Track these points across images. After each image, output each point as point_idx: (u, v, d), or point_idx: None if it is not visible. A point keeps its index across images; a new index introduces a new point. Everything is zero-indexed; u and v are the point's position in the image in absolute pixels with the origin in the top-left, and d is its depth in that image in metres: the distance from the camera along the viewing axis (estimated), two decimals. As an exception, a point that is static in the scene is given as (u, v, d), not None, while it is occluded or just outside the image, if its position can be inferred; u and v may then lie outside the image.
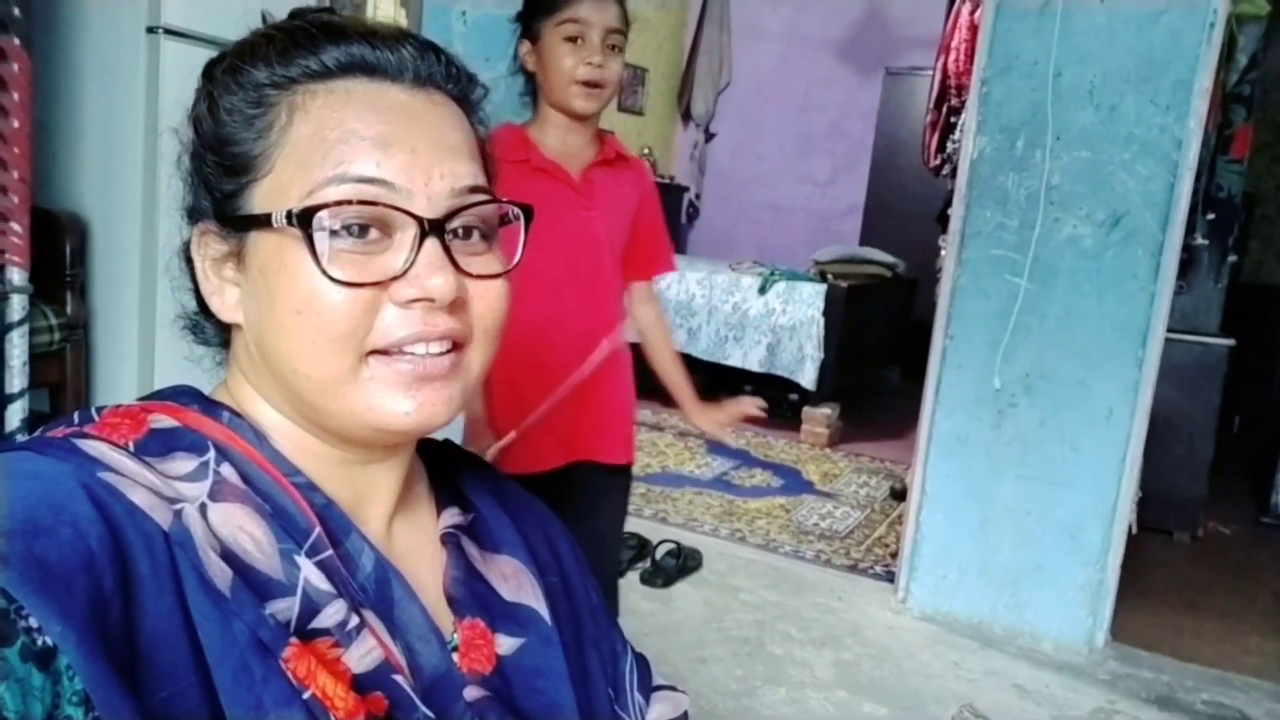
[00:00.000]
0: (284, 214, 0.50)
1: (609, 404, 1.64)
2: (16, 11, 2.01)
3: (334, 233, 0.50)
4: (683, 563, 2.78)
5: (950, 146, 3.44)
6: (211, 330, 0.60)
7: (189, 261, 0.58)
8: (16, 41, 2.01)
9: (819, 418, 4.44)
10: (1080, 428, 2.48)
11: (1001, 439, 2.57)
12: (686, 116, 6.97)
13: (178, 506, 0.46)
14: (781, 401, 4.52)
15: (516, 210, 0.58)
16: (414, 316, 0.51)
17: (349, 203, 0.50)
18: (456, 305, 0.53)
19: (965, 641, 2.55)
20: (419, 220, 0.51)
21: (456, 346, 0.54)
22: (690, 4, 6.83)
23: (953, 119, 3.43)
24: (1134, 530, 2.62)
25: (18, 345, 2.32)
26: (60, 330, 2.34)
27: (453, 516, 0.63)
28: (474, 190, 0.54)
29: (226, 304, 0.55)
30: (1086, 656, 2.50)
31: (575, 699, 0.60)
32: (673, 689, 0.75)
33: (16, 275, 2.15)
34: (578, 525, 1.60)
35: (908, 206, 5.61)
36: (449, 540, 0.62)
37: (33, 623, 0.39)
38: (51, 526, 0.41)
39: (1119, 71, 2.38)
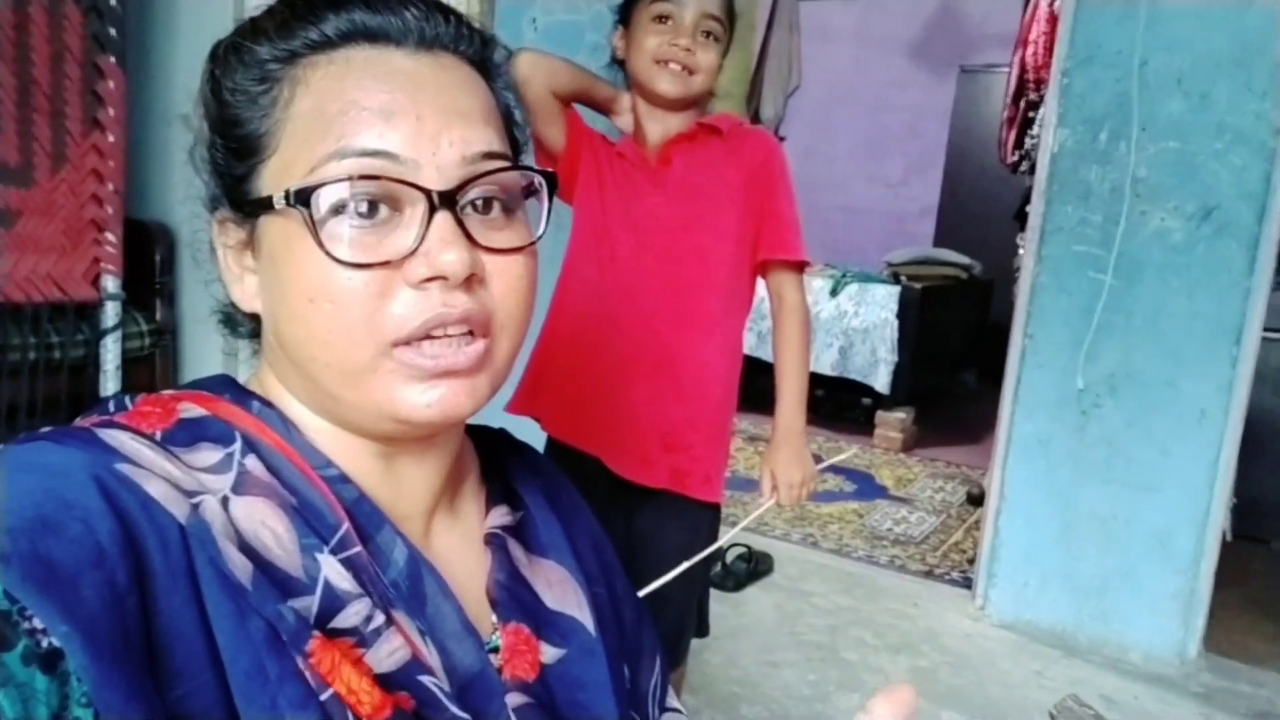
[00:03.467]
0: (284, 194, 0.47)
1: (699, 435, 1.49)
2: (113, 31, 2.11)
3: (338, 211, 0.47)
4: (753, 567, 2.75)
5: (1028, 142, 3.35)
6: (243, 321, 0.58)
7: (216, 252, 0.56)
8: (113, 60, 2.11)
9: (893, 422, 4.35)
10: (1170, 430, 2.37)
11: (1085, 442, 2.48)
12: (756, 120, 6.92)
13: (196, 499, 0.45)
14: (854, 406, 4.45)
15: (539, 179, 0.53)
16: (431, 297, 0.48)
17: (349, 178, 0.47)
18: (474, 283, 0.49)
19: (1048, 650, 2.46)
20: (427, 193, 0.48)
21: (480, 334, 0.50)
22: (759, 7, 6.80)
23: (1031, 114, 3.34)
24: (1228, 537, 2.50)
25: (111, 350, 2.43)
26: (150, 336, 2.44)
27: (501, 516, 0.61)
28: (489, 157, 0.50)
29: (246, 293, 0.53)
30: (1178, 668, 2.39)
31: (619, 713, 0.58)
32: (680, 713, 0.73)
33: (111, 283, 2.25)
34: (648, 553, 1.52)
35: (984, 207, 5.47)
36: (493, 541, 0.59)
37: (37, 624, 0.37)
38: (59, 522, 0.40)
39: (1210, 57, 2.28)
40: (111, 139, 2.12)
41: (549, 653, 0.57)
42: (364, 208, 0.47)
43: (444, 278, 0.47)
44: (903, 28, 6.33)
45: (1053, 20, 3.01)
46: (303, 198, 0.47)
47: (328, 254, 0.46)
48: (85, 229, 2.27)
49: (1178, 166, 2.33)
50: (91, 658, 0.37)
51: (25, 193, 2.21)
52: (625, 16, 1.48)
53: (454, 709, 0.47)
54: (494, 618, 0.56)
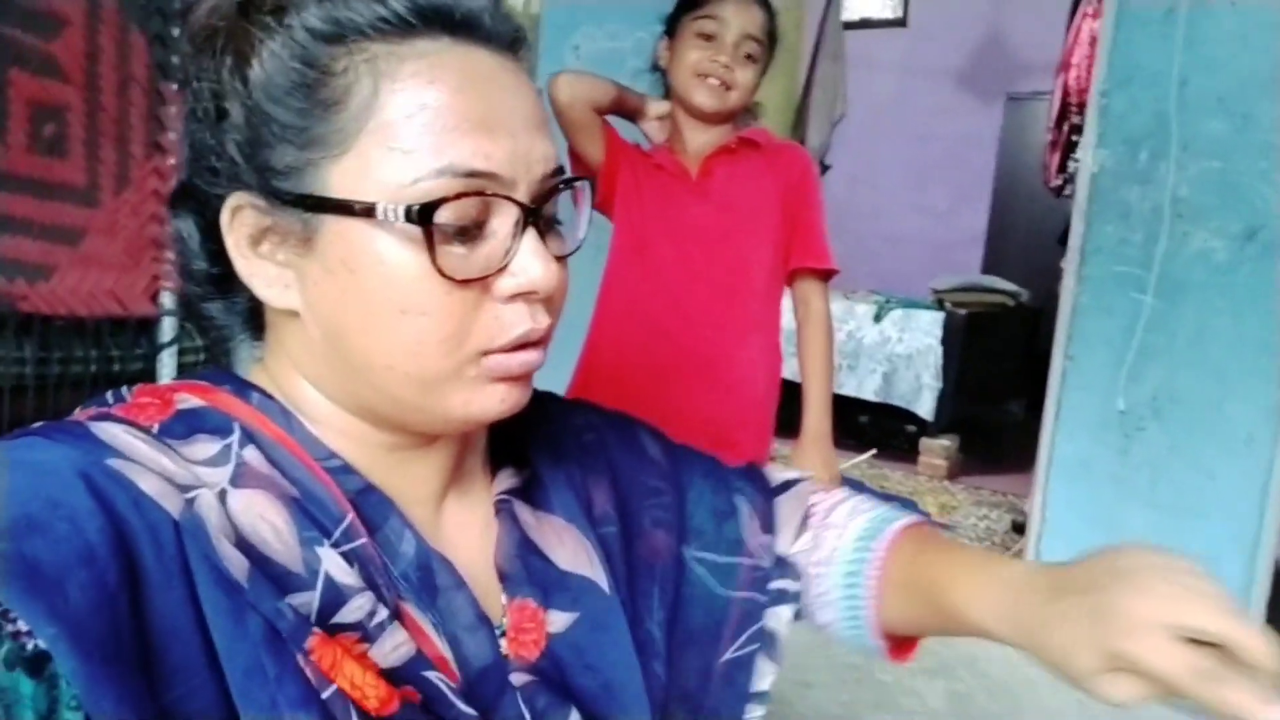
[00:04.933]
0: (398, 208, 0.45)
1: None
2: (175, 59, 2.23)
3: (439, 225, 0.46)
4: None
5: (1072, 165, 3.33)
6: (220, 310, 0.54)
7: (204, 230, 0.51)
8: (174, 86, 2.23)
9: (937, 449, 4.30)
10: (1216, 454, 2.32)
11: (1129, 465, 2.43)
12: (801, 149, 6.96)
13: (191, 494, 0.43)
14: (898, 433, 4.41)
15: (582, 185, 0.55)
16: (520, 313, 0.48)
17: (467, 194, 0.46)
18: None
19: (1090, 678, 2.41)
20: (522, 208, 0.48)
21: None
22: (805, 37, 6.86)
23: (1074, 137, 3.32)
24: (1281, 566, 2.43)
25: (168, 364, 2.53)
26: (205, 351, 2.54)
27: (508, 478, 0.59)
28: (559, 170, 0.51)
29: (274, 288, 0.49)
30: (1228, 700, 2.32)
31: (640, 669, 0.55)
32: (795, 482, 0.73)
33: (169, 299, 2.36)
34: None
35: (1033, 236, 5.43)
36: (503, 508, 0.57)
37: (22, 626, 0.37)
38: (45, 522, 0.39)
39: (1253, 78, 2.26)
40: (172, 161, 2.23)
41: (558, 620, 0.55)
42: (467, 225, 0.47)
43: (534, 292, 0.48)
44: (949, 56, 6.34)
45: (1095, 43, 3.00)
46: (425, 215, 0.45)
47: (440, 272, 0.45)
48: (146, 247, 2.37)
49: (1220, 186, 2.30)
50: (80, 659, 0.36)
51: (91, 212, 2.33)
52: (671, 28, 1.54)
53: (460, 705, 0.46)
54: (503, 597, 0.55)
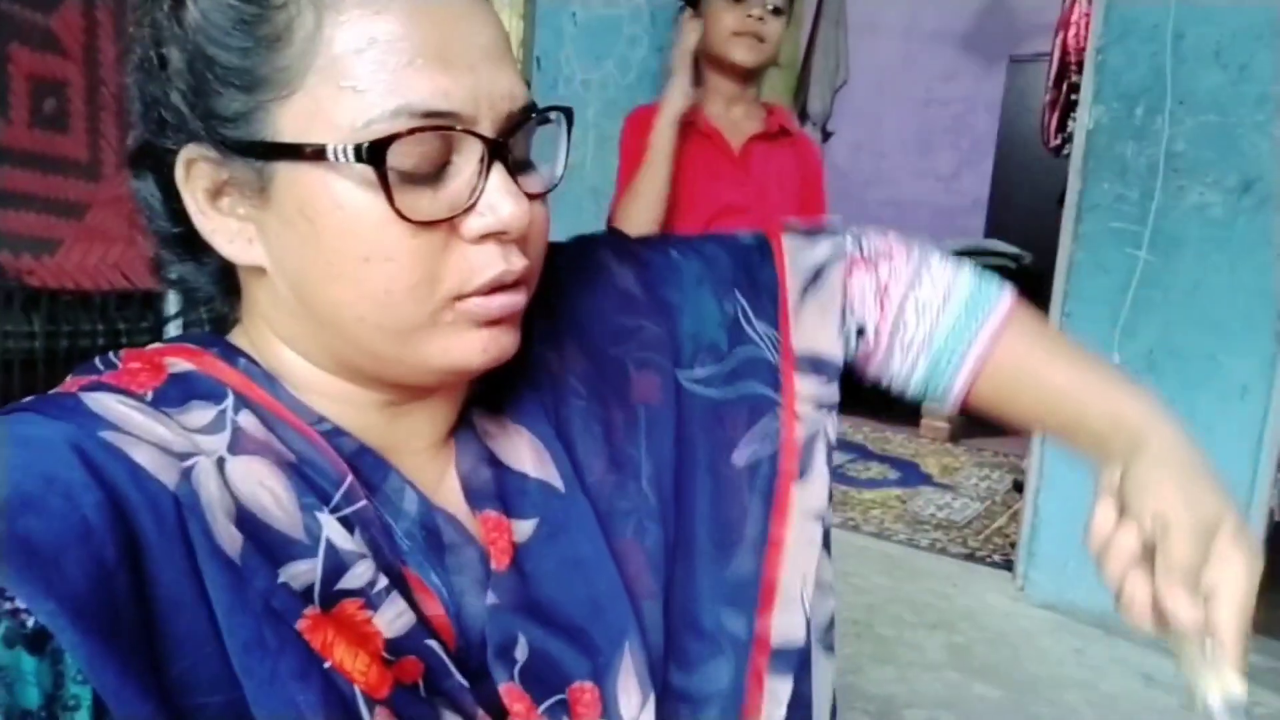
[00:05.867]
0: (348, 148, 0.42)
1: None
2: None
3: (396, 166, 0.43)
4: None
5: (1071, 125, 3.32)
6: (191, 271, 0.51)
7: (165, 189, 0.48)
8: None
9: (939, 412, 4.33)
10: (1212, 406, 2.34)
11: (1125, 419, 2.45)
12: (804, 116, 6.91)
13: (188, 464, 0.42)
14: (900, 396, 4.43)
15: (558, 114, 0.51)
16: (491, 254, 0.46)
17: (422, 130, 0.43)
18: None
19: (1088, 629, 2.44)
20: (486, 142, 0.45)
21: (522, 281, 0.48)
22: (805, 3, 6.80)
23: (1073, 96, 3.30)
24: (1276, 517, 2.46)
25: (173, 336, 2.57)
26: (210, 324, 2.57)
27: (473, 385, 0.55)
28: (528, 105, 0.48)
29: (236, 243, 0.47)
30: (1223, 648, 2.35)
31: (615, 570, 0.52)
32: (823, 269, 0.64)
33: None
34: None
35: (1035, 199, 5.39)
36: (464, 420, 0.54)
37: (20, 605, 0.36)
38: (39, 498, 0.38)
39: (1249, 29, 2.25)
40: (171, 133, 2.25)
41: (522, 529, 0.52)
42: (428, 164, 0.44)
43: (504, 231, 0.46)
44: (951, 19, 6.28)
45: (1093, 1, 2.99)
46: (375, 154, 0.42)
47: (399, 214, 0.43)
48: (149, 220, 2.40)
49: (1217, 139, 2.30)
50: (80, 635, 0.36)
51: (94, 186, 2.36)
52: (694, 1, 1.59)
53: (456, 675, 0.45)
54: (472, 512, 0.52)
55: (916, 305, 0.64)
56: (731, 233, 0.67)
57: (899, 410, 4.41)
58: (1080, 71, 3.25)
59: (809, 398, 0.60)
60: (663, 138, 1.53)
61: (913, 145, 6.60)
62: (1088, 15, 3.17)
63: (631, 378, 0.58)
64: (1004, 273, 4.72)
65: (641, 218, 1.53)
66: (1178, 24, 2.31)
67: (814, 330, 0.62)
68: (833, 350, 0.62)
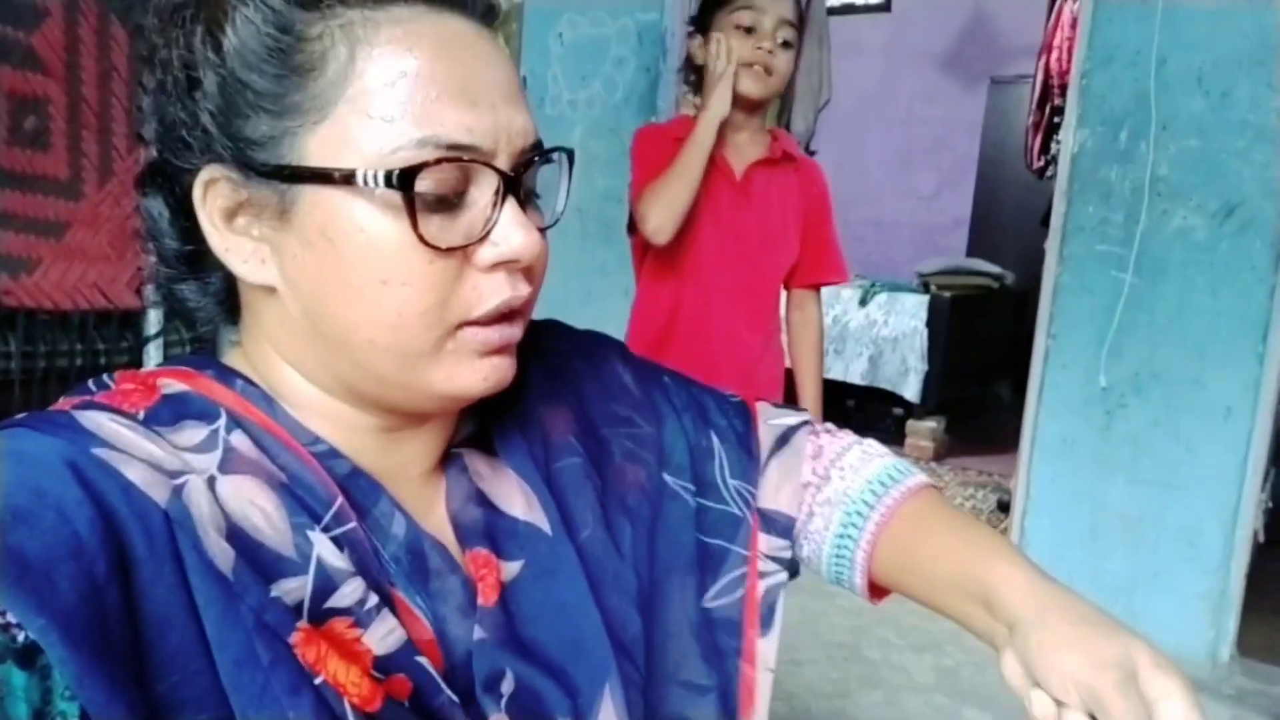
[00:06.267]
0: (378, 174, 0.44)
1: None
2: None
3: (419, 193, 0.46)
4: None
5: (1054, 147, 3.35)
6: (193, 291, 0.53)
7: (175, 208, 0.50)
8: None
9: (924, 431, 4.34)
10: (1197, 428, 2.36)
11: (1111, 441, 2.47)
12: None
13: (179, 481, 0.43)
14: (885, 416, 4.44)
15: (560, 154, 0.54)
16: (500, 283, 0.48)
17: (448, 160, 0.45)
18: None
19: (1076, 652, 2.44)
20: (503, 176, 0.48)
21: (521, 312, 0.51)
22: (789, 24, 6.85)
23: (1056, 119, 3.34)
24: (1260, 539, 2.47)
25: (154, 356, 2.53)
26: (191, 344, 2.54)
27: (467, 425, 0.58)
28: (537, 145, 0.51)
29: (250, 263, 0.48)
30: (1210, 671, 2.36)
31: (599, 616, 0.53)
32: (792, 433, 0.68)
33: (154, 292, 2.36)
34: None
35: (1017, 218, 5.45)
36: (454, 459, 0.56)
37: (11, 619, 0.37)
38: (32, 513, 0.38)
39: (1230, 56, 2.28)
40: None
41: (509, 569, 0.53)
42: (447, 194, 0.46)
43: (515, 261, 0.48)
44: (933, 40, 6.35)
45: (1076, 25, 3.02)
46: (405, 181, 0.44)
47: (422, 239, 0.45)
48: (130, 240, 2.37)
49: (1199, 165, 2.33)
50: (70, 650, 0.36)
51: (74, 205, 2.33)
52: (702, 24, 1.59)
53: (447, 692, 0.46)
54: (461, 549, 0.53)
55: (841, 468, 0.67)
56: (717, 389, 0.71)
57: (882, 428, 4.43)
58: (1063, 95, 3.29)
59: (770, 553, 0.64)
60: (705, 134, 1.51)
61: (894, 165, 6.65)
62: (1070, 39, 3.21)
63: (618, 463, 0.61)
64: (987, 292, 4.76)
65: (669, 209, 1.51)
66: (1161, 50, 2.33)
67: (776, 490, 0.66)
68: (791, 509, 0.65)
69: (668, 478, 0.62)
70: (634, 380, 0.66)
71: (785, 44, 1.54)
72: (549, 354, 0.63)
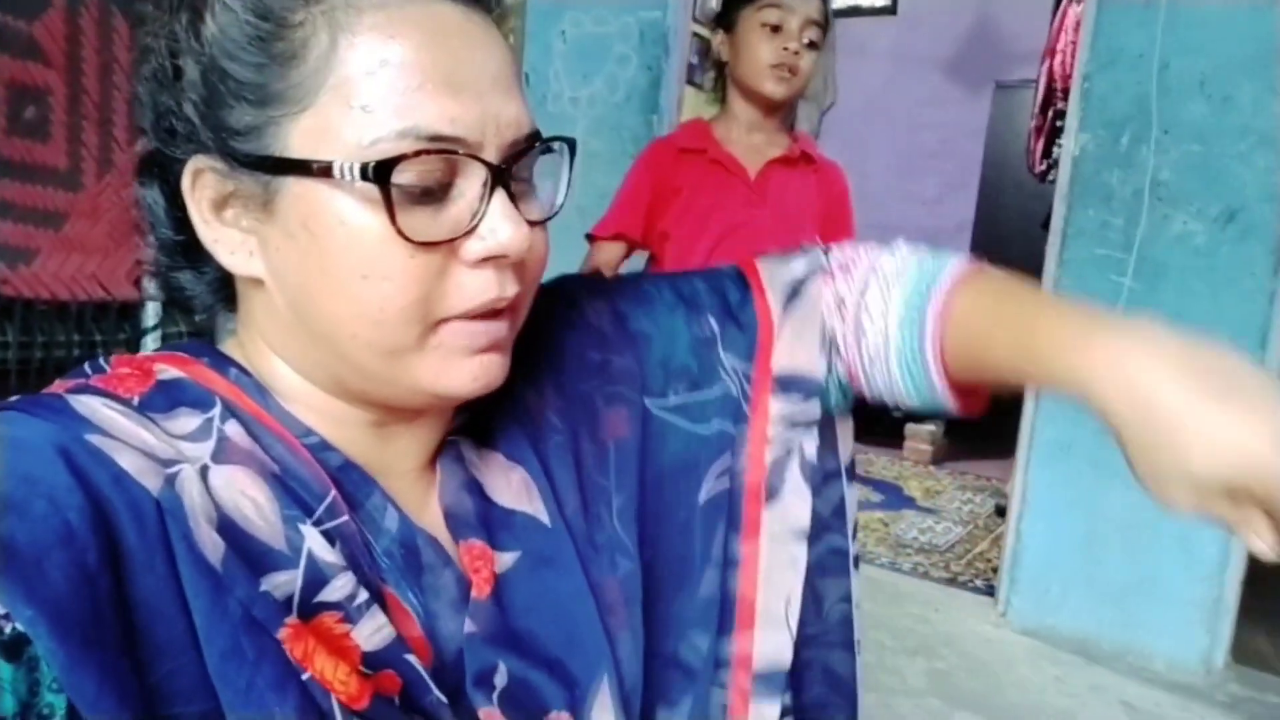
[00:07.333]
0: (354, 166, 0.43)
1: None
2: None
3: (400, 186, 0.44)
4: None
5: (1057, 151, 3.34)
6: (189, 280, 0.52)
7: (169, 198, 0.49)
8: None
9: (923, 434, 4.33)
10: (1194, 434, 2.34)
11: (1108, 446, 2.39)
12: (791, 138, 6.96)
13: (172, 470, 0.42)
14: (883, 419, 4.43)
15: (561, 144, 0.52)
16: (487, 279, 0.47)
17: (427, 152, 0.44)
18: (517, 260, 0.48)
19: (1069, 657, 2.44)
20: (490, 168, 0.46)
21: (513, 308, 0.49)
22: (794, 26, 6.85)
23: (1059, 123, 3.33)
24: (1258, 545, 2.46)
25: (151, 348, 2.53)
26: (189, 336, 2.55)
27: (460, 415, 0.56)
28: (532, 133, 0.49)
29: (237, 255, 0.48)
30: (1204, 677, 2.35)
31: (594, 605, 0.52)
32: (801, 284, 0.63)
33: (152, 284, 2.36)
34: None
35: (1019, 223, 5.43)
36: (448, 450, 0.55)
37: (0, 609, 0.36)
38: (23, 501, 0.38)
39: (1232, 60, 2.27)
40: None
41: (503, 560, 0.52)
42: (432, 186, 0.45)
43: (503, 256, 0.46)
44: (938, 44, 6.34)
45: (1079, 29, 3.01)
46: (382, 173, 0.43)
47: (401, 234, 0.43)
48: (129, 231, 2.37)
49: (1200, 169, 2.32)
50: (60, 641, 0.36)
51: (73, 196, 2.33)
52: (728, 22, 1.57)
53: (435, 691, 0.45)
54: (453, 540, 0.52)
55: (868, 310, 0.61)
56: (711, 267, 0.67)
57: (881, 431, 4.42)
58: (1066, 99, 3.27)
59: (782, 418, 0.60)
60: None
61: (899, 168, 6.64)
62: (1074, 43, 3.20)
63: (600, 412, 0.58)
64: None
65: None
66: (1163, 54, 2.33)
67: (793, 347, 0.62)
68: (811, 366, 0.61)
69: (655, 409, 0.59)
70: (607, 314, 0.62)
71: (811, 44, 1.52)
72: (525, 325, 0.59)
